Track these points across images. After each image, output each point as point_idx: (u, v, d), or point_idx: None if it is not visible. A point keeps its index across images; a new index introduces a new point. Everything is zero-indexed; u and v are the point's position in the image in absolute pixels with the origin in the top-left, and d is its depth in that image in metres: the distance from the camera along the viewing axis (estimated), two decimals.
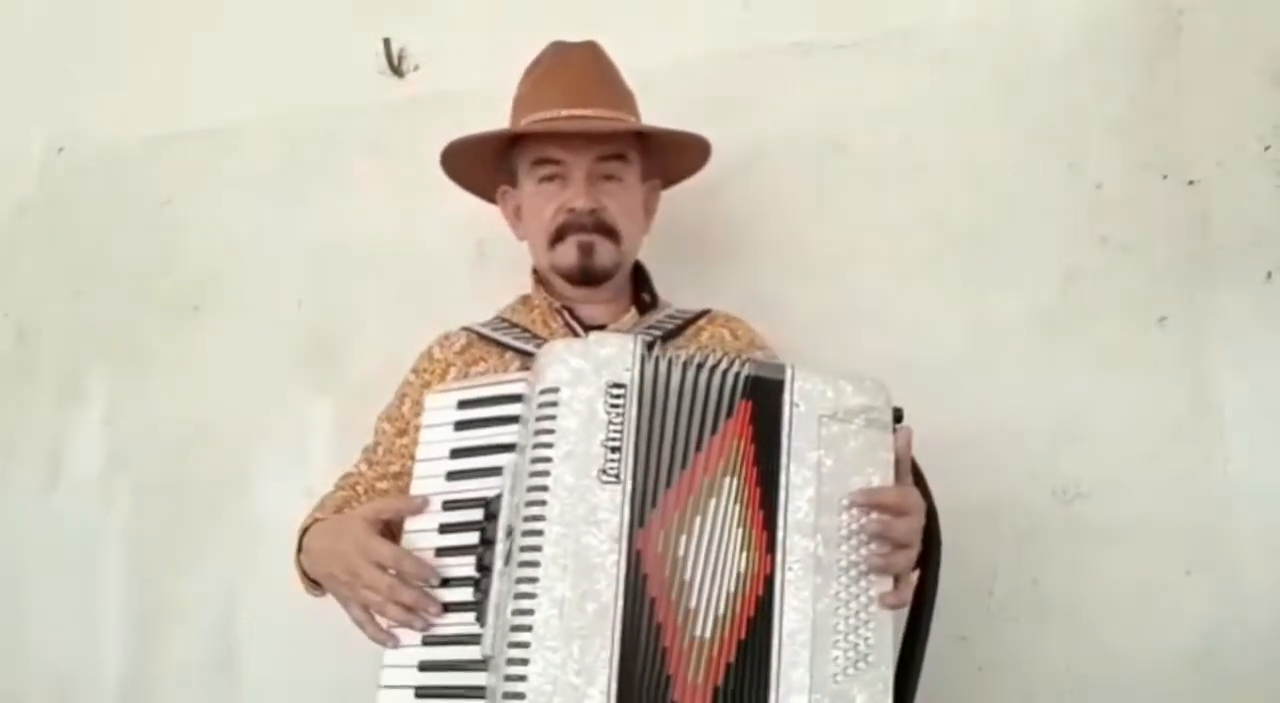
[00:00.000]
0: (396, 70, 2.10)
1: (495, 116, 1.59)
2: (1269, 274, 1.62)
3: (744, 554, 1.15)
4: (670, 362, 1.20)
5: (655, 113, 1.58)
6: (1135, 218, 1.68)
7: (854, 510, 1.18)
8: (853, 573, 1.17)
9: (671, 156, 1.60)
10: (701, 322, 1.54)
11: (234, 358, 2.08)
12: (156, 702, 2.03)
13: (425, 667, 1.18)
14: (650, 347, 1.21)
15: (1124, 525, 1.61)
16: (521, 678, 1.09)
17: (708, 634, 1.13)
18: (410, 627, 1.19)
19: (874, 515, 1.18)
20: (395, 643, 1.20)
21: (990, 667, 1.63)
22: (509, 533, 1.15)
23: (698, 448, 1.17)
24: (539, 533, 1.13)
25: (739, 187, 1.85)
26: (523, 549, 1.13)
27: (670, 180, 1.66)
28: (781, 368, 1.22)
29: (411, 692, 1.17)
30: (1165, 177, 1.67)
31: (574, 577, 1.12)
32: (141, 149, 2.23)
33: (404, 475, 1.44)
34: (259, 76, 2.17)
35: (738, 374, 1.21)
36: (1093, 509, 1.63)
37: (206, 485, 2.04)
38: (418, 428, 1.41)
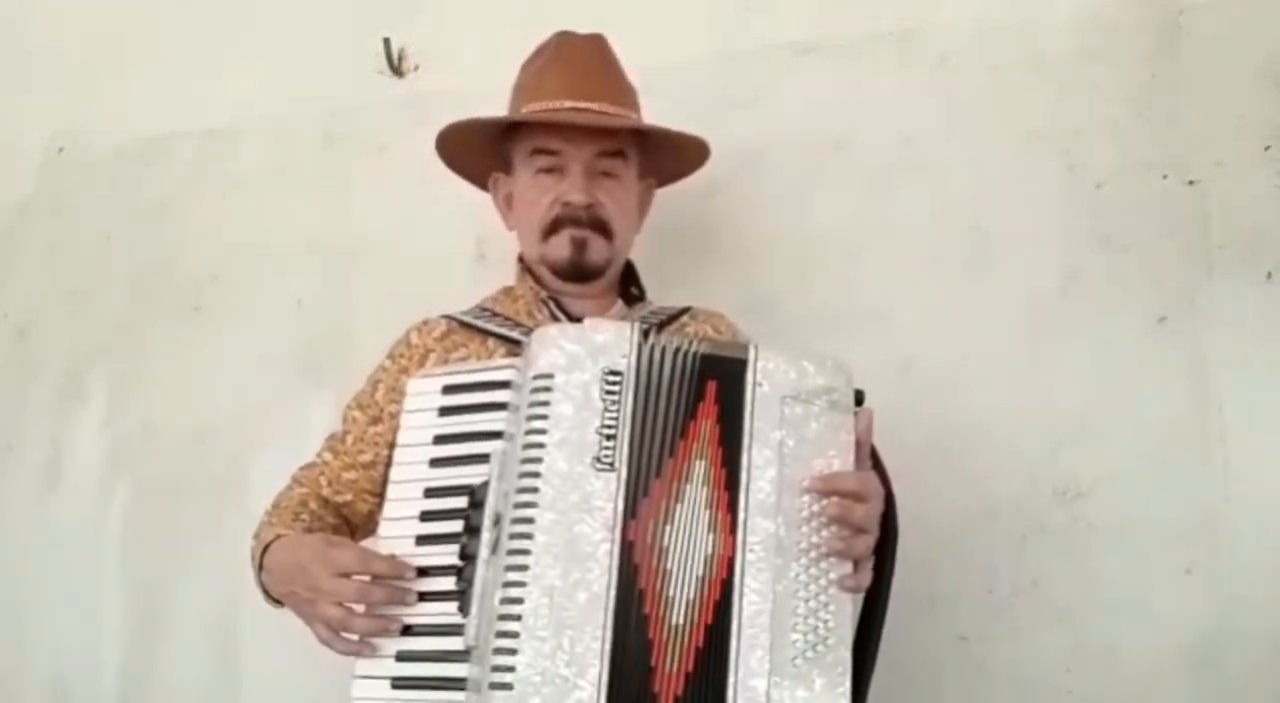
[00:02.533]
0: (396, 70, 2.10)
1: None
2: (1269, 274, 1.62)
3: (710, 537, 1.14)
4: (664, 349, 1.19)
5: (655, 112, 1.58)
6: (1135, 218, 1.68)
7: (815, 494, 1.17)
8: (813, 555, 1.15)
9: (669, 157, 1.59)
10: (684, 318, 1.53)
11: (234, 358, 2.08)
12: (156, 702, 2.03)
13: (403, 657, 1.15)
14: (645, 334, 1.20)
15: (1124, 525, 1.61)
16: (509, 669, 1.07)
17: (681, 621, 1.11)
18: (383, 634, 1.16)
19: (834, 499, 1.17)
20: (372, 650, 1.16)
21: (990, 667, 1.63)
22: (496, 521, 1.13)
23: (682, 435, 1.16)
24: (530, 521, 1.11)
25: (739, 186, 1.85)
26: (512, 536, 1.11)
27: (665, 180, 1.65)
28: (745, 348, 1.21)
29: (387, 683, 1.14)
30: (1165, 177, 1.67)
31: (565, 565, 1.10)
32: (141, 149, 2.23)
33: (376, 464, 1.44)
34: (259, 76, 2.17)
35: (698, 354, 1.20)
36: (1093, 509, 1.63)
37: (206, 485, 2.04)
38: (392, 415, 1.40)
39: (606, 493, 1.12)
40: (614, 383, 1.16)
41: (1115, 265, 1.68)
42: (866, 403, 1.24)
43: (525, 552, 1.10)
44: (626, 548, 1.12)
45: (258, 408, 2.04)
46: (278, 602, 1.35)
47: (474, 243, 1.94)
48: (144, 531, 2.07)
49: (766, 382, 1.19)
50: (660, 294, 1.63)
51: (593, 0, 1.92)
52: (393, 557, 1.18)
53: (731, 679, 1.10)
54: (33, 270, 2.29)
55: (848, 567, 1.18)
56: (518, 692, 1.06)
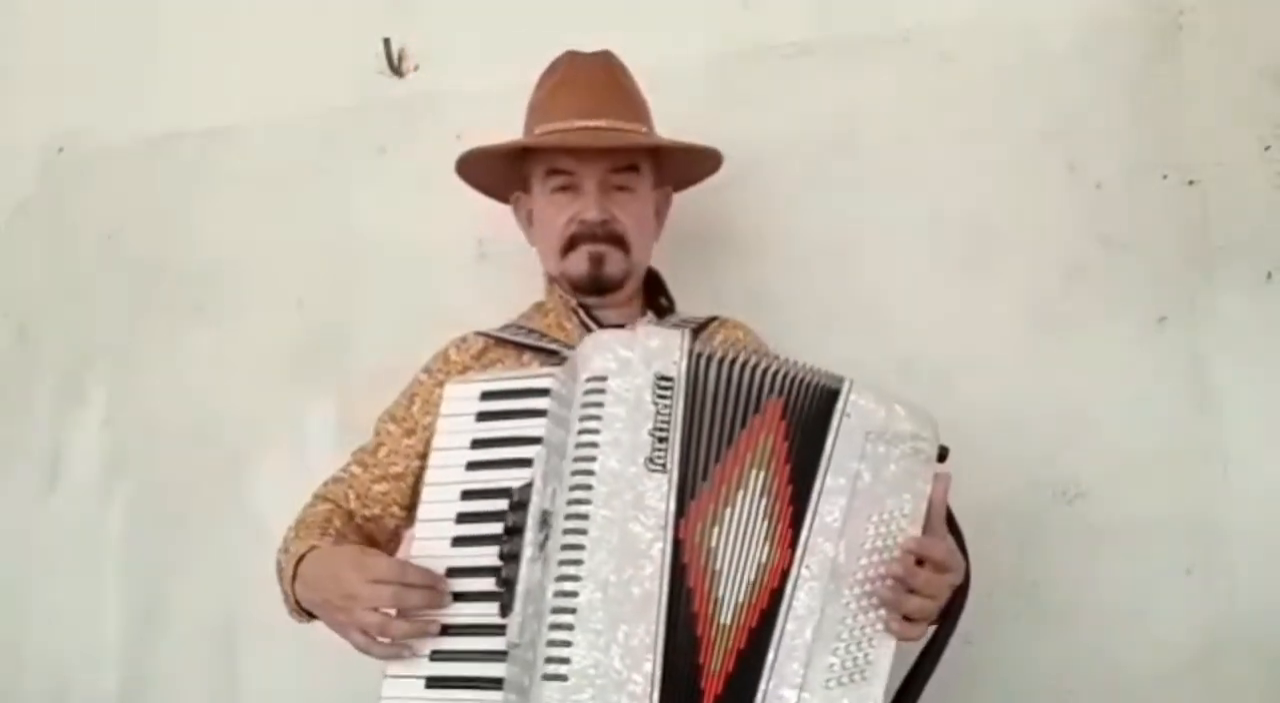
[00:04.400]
0: (396, 70, 2.10)
1: (494, 116, 1.59)
2: (1269, 274, 1.62)
3: (767, 546, 1.17)
4: (711, 358, 1.22)
5: (656, 112, 1.58)
6: (1135, 218, 1.68)
7: (882, 530, 1.18)
8: (867, 588, 1.17)
9: (683, 163, 1.62)
10: (713, 326, 1.57)
11: (234, 358, 2.08)
12: (156, 702, 2.03)
13: (437, 656, 1.16)
14: (694, 343, 1.23)
15: (1124, 525, 1.61)
16: (564, 660, 1.09)
17: (728, 621, 1.15)
18: (421, 636, 1.17)
19: (901, 554, 1.18)
20: (411, 653, 1.17)
21: (990, 667, 1.63)
22: (543, 520, 1.15)
23: (729, 443, 1.19)
24: (584, 517, 1.13)
25: (739, 186, 1.84)
26: (566, 532, 1.13)
27: (682, 185, 1.68)
28: (840, 379, 1.24)
29: (421, 682, 1.16)
30: (1165, 177, 1.68)
31: (619, 561, 1.12)
32: (141, 149, 2.23)
33: (406, 476, 1.47)
34: (259, 76, 2.17)
35: (778, 373, 1.22)
36: (1093, 509, 1.63)
37: (206, 485, 2.04)
38: (425, 428, 1.43)
39: (659, 493, 1.15)
40: (665, 388, 1.19)
41: (1115, 265, 1.68)
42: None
43: (579, 547, 1.12)
44: (677, 546, 1.14)
45: (258, 408, 2.04)
46: (308, 615, 1.36)
47: (474, 243, 1.94)
48: (144, 530, 2.07)
49: (855, 414, 1.21)
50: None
51: (593, 1, 1.92)
52: (427, 569, 1.19)
53: (763, 686, 1.13)
54: (33, 270, 2.28)
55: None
56: (572, 683, 1.08)
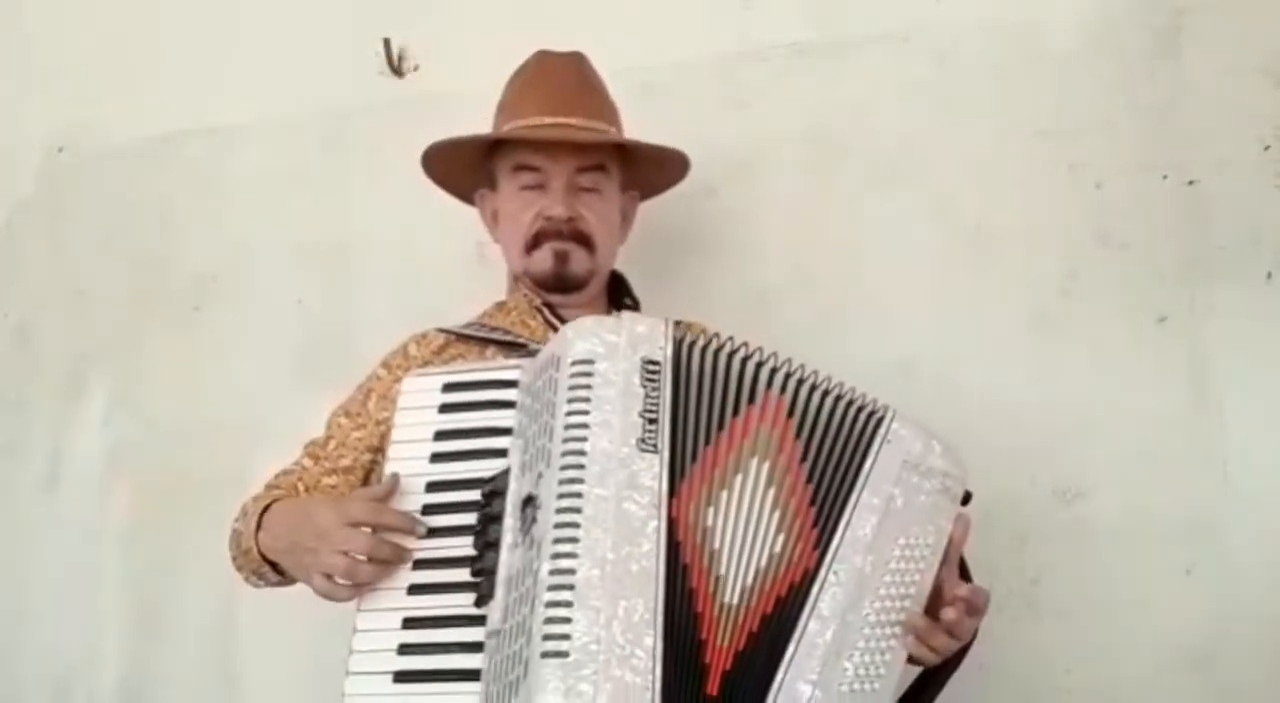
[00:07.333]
0: (396, 70, 2.10)
1: (494, 116, 1.59)
2: (1269, 274, 1.62)
3: (781, 537, 1.18)
4: (695, 345, 1.23)
5: (655, 113, 1.58)
6: (1135, 218, 1.68)
7: (907, 554, 1.21)
8: (887, 604, 1.19)
9: (650, 169, 1.62)
10: (682, 326, 1.54)
11: (234, 358, 2.08)
12: (156, 702, 2.03)
13: (406, 650, 1.16)
14: (677, 330, 1.24)
15: (1124, 525, 1.61)
16: (565, 637, 1.07)
17: (735, 601, 1.15)
18: (387, 579, 1.18)
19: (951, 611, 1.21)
20: (371, 588, 1.18)
21: (990, 667, 1.63)
22: (526, 504, 1.16)
23: (719, 427, 1.20)
24: (578, 496, 1.13)
25: (739, 187, 1.85)
26: (560, 511, 1.13)
27: (649, 192, 1.67)
28: (886, 407, 1.27)
29: (389, 677, 1.15)
30: (1165, 177, 1.68)
31: (615, 539, 1.12)
32: (141, 149, 2.23)
33: (355, 469, 1.47)
34: (259, 77, 2.17)
35: (776, 370, 1.24)
36: (1093, 509, 1.63)
37: (206, 485, 2.04)
38: (379, 423, 1.45)
39: (651, 473, 1.15)
40: (653, 372, 1.20)
41: (1115, 265, 1.68)
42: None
43: (575, 525, 1.11)
44: (671, 524, 1.14)
45: (258, 408, 2.04)
46: (266, 573, 1.37)
47: (473, 244, 1.94)
48: (144, 530, 2.07)
49: (895, 441, 1.24)
50: (660, 294, 1.64)
51: (592, 1, 1.93)
52: (405, 512, 1.21)
53: (781, 675, 1.14)
54: (33, 270, 2.28)
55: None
56: (574, 659, 1.06)
